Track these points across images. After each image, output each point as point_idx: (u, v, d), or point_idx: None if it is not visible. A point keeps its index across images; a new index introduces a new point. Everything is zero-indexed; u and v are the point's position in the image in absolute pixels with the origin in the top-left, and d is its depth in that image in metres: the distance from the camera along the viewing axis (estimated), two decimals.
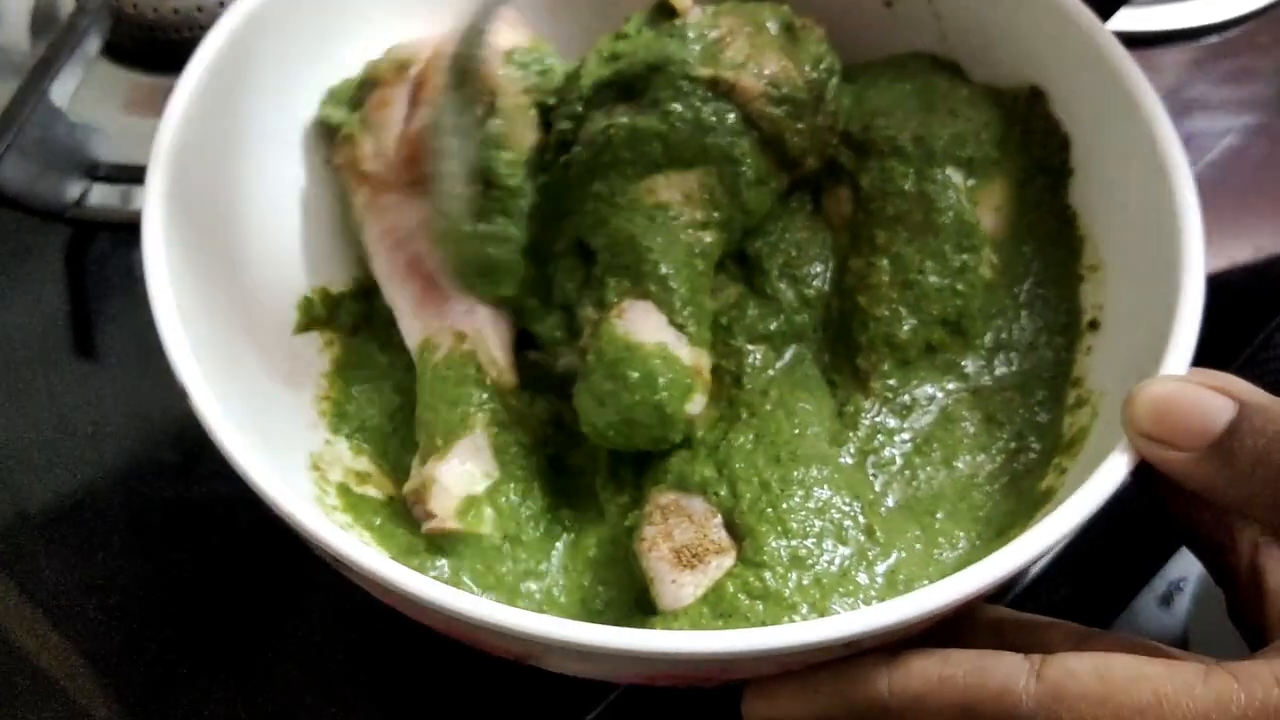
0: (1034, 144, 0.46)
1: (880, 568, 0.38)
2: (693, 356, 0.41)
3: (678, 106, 0.42)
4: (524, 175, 0.45)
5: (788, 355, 0.45)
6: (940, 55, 0.49)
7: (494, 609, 0.31)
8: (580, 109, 0.45)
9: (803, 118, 0.44)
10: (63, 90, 0.54)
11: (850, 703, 0.33)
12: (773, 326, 0.45)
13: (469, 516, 0.41)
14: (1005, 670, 0.32)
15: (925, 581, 0.38)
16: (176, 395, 0.36)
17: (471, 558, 0.40)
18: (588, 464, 0.44)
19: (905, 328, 0.44)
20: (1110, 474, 0.34)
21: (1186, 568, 0.54)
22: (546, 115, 0.46)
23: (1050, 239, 0.45)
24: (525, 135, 0.45)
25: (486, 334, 0.44)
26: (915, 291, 0.44)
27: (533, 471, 0.43)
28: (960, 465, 0.42)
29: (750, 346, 0.44)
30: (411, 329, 0.45)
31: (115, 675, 0.46)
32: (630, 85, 0.44)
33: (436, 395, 0.43)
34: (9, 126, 0.51)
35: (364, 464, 0.45)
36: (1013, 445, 0.42)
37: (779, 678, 0.34)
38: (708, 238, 0.43)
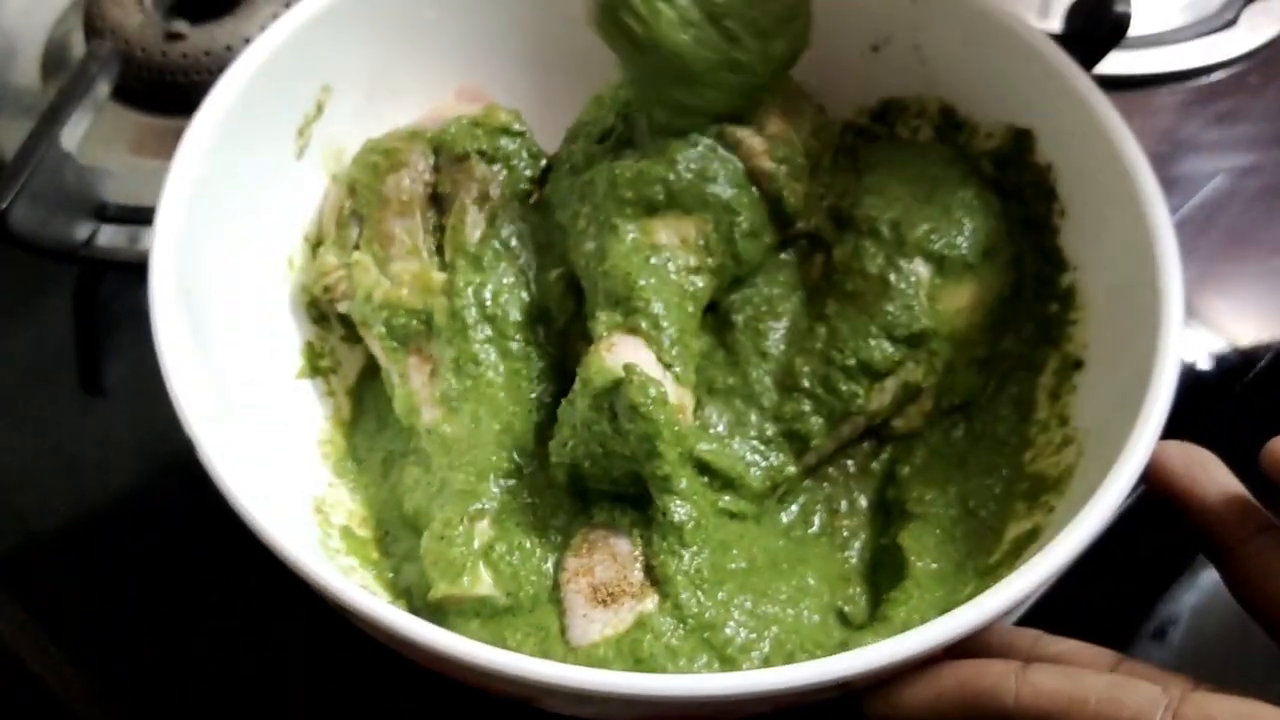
0: (1030, 244, 0.46)
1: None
2: (678, 395, 0.42)
3: (684, 155, 0.43)
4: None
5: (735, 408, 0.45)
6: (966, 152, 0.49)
7: (492, 654, 0.32)
8: (591, 150, 0.46)
9: (800, 179, 0.45)
10: (73, 134, 0.55)
11: (974, 711, 0.33)
12: (730, 381, 0.45)
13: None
14: (1140, 703, 0.31)
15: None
16: (180, 429, 0.37)
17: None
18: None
19: (810, 403, 0.44)
20: (1098, 511, 0.35)
21: (1179, 604, 0.55)
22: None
23: (1034, 321, 0.46)
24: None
25: None
26: (833, 368, 0.44)
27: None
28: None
29: (706, 398, 0.44)
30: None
31: (119, 697, 0.47)
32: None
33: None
34: (20, 171, 0.51)
35: (363, 507, 0.46)
36: (970, 503, 0.44)
37: (902, 679, 0.34)
38: (700, 282, 0.43)
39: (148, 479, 0.53)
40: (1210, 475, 0.38)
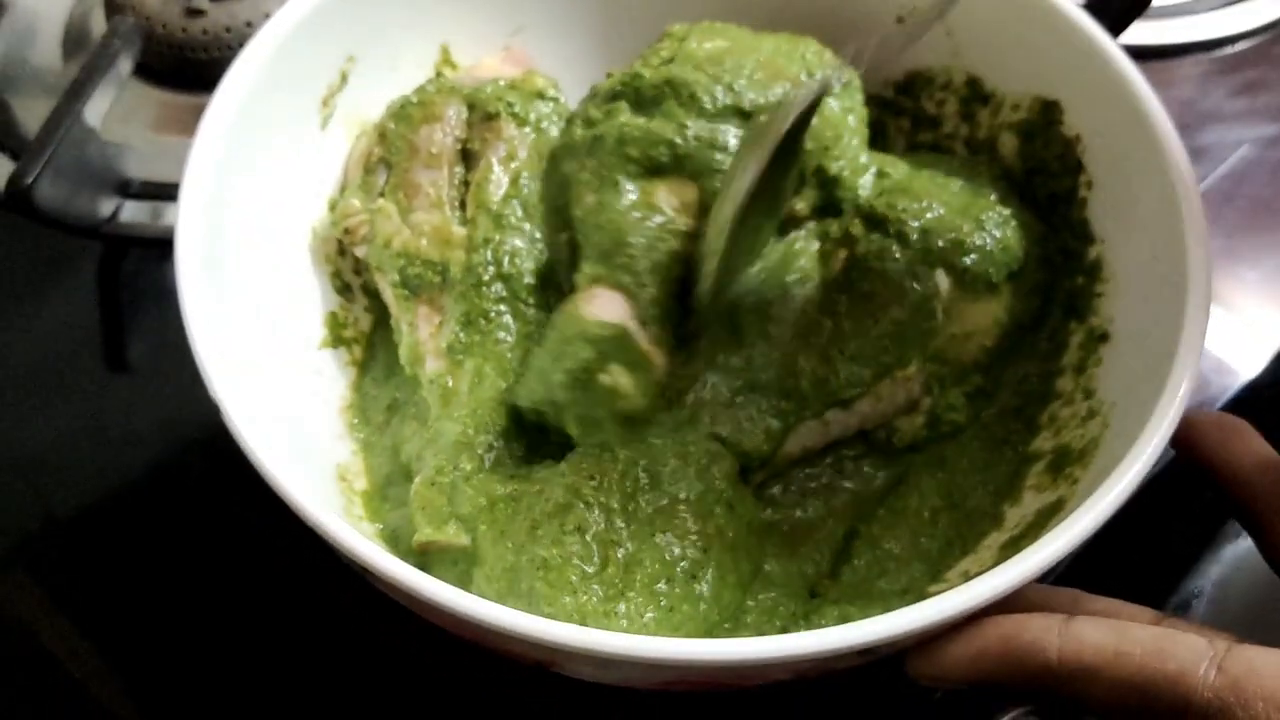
0: (1057, 266, 0.46)
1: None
2: (653, 353, 0.42)
3: (695, 122, 0.44)
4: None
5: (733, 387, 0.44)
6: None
7: (513, 616, 0.32)
8: (605, 106, 0.46)
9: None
10: (96, 110, 0.55)
11: (1016, 666, 0.33)
12: (733, 361, 0.43)
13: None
14: (1185, 655, 0.31)
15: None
16: (204, 405, 0.37)
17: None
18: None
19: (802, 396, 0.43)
20: (1123, 483, 0.34)
21: (1203, 577, 0.55)
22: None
23: (1061, 301, 0.45)
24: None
25: None
26: (830, 368, 0.43)
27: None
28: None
29: (708, 373, 0.43)
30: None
31: (141, 680, 0.47)
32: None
33: None
34: (45, 148, 0.51)
35: (369, 457, 0.46)
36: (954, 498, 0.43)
37: (943, 637, 0.33)
38: (690, 247, 0.43)
39: (172, 455, 0.53)
40: (1245, 444, 0.38)
